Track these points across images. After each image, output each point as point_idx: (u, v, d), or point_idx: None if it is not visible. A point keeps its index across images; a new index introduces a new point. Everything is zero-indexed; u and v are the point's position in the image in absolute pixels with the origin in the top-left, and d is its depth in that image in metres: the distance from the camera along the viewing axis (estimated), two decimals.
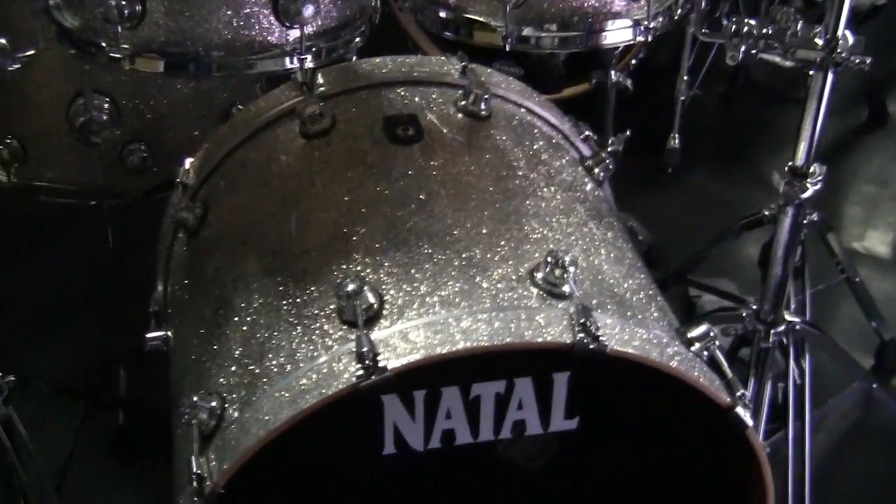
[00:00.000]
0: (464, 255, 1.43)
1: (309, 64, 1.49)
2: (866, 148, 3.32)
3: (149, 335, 1.76)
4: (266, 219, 1.61)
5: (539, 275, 1.39)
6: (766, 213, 2.01)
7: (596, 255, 1.53)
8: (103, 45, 1.47)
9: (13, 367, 1.84)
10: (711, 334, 1.50)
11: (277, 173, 1.68)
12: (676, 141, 2.96)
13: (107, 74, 1.77)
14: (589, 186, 1.75)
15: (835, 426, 2.16)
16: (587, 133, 1.92)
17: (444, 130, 1.67)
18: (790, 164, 1.72)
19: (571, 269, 1.38)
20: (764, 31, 1.59)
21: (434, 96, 1.75)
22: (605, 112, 2.36)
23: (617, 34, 1.57)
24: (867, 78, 3.34)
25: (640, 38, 1.57)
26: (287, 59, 1.48)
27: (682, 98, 2.87)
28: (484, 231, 1.47)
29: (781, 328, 1.85)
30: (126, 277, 2.10)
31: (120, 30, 1.43)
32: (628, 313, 1.43)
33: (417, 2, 1.65)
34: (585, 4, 1.53)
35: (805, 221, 1.89)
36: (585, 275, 1.44)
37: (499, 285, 1.38)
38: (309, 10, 1.43)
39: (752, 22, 1.60)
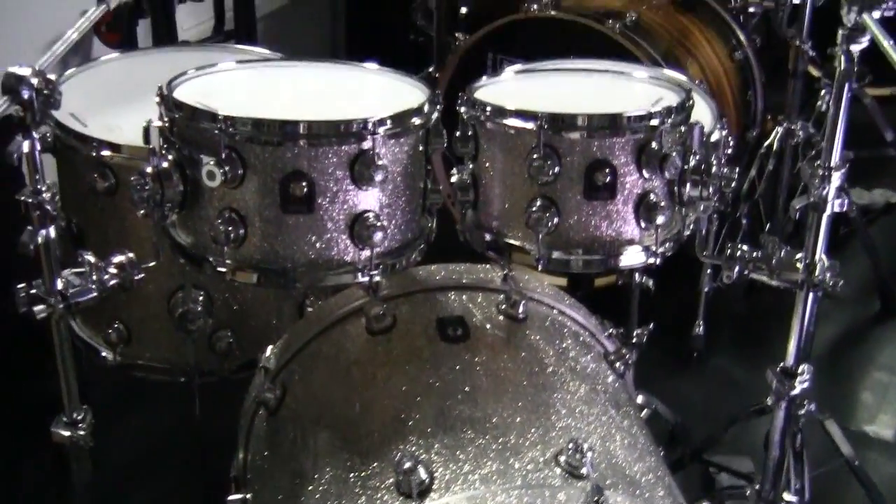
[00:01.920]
0: (500, 440, 1.72)
1: (376, 278, 1.82)
2: (878, 337, 3.58)
3: (230, 498, 2.06)
4: (336, 403, 1.92)
5: (562, 458, 1.67)
6: (769, 402, 2.28)
7: (611, 441, 1.81)
8: (210, 259, 1.80)
9: None
10: None
11: (346, 364, 1.99)
12: (701, 329, 3.26)
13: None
14: (610, 378, 2.05)
15: None
16: (611, 330, 2.22)
17: (488, 330, 1.98)
18: (781, 364, 2.00)
19: (589, 454, 1.66)
20: (754, 255, 1.91)
21: (479, 300, 2.07)
22: (630, 308, 2.67)
23: (630, 258, 1.87)
24: (879, 271, 3.64)
25: (651, 261, 1.88)
26: (359, 275, 1.80)
27: (706, 290, 3.19)
28: (518, 420, 1.77)
29: None
30: (207, 444, 2.40)
31: (225, 249, 1.76)
32: (637, 492, 1.70)
33: (466, 225, 1.98)
34: (604, 234, 1.84)
35: (802, 412, 2.15)
36: (601, 458, 1.73)
37: (528, 466, 1.67)
38: (378, 236, 1.76)
39: (745, 248, 1.92)
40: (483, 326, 2.00)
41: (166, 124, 1.83)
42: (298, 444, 1.92)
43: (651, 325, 2.53)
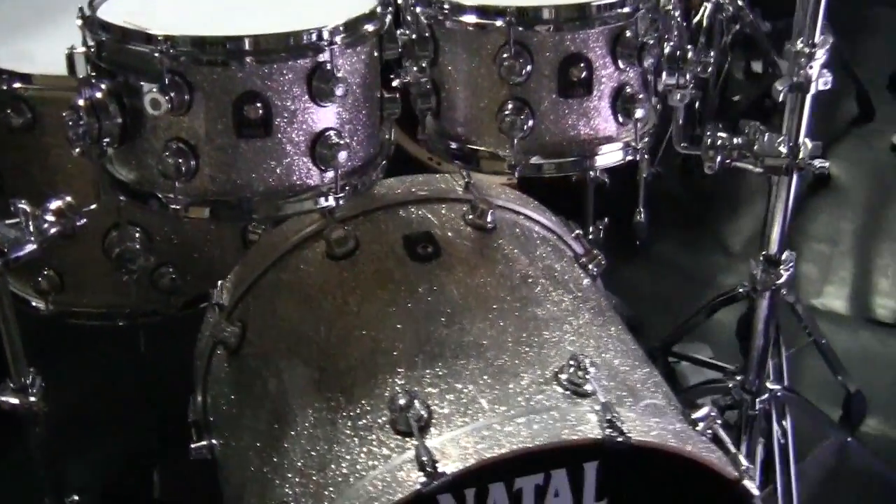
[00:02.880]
0: (495, 364, 1.61)
1: (342, 201, 1.68)
2: (813, 207, 3.57)
3: (194, 445, 1.93)
4: (308, 337, 1.79)
5: (563, 376, 1.58)
6: (741, 290, 2.22)
7: (606, 351, 1.72)
8: (160, 196, 1.64)
9: (61, 476, 1.98)
10: (713, 414, 1.70)
11: (312, 294, 1.85)
12: (642, 215, 3.19)
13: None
14: (586, 282, 1.95)
15: (815, 477, 2.37)
16: (577, 231, 2.12)
17: (458, 244, 1.86)
18: (764, 252, 1.93)
19: (592, 369, 1.57)
20: (735, 142, 1.81)
21: (444, 212, 1.95)
22: (585, 203, 2.58)
23: (609, 156, 1.77)
24: None
25: (629, 158, 1.78)
26: (322, 199, 1.66)
27: (644, 175, 3.10)
28: (508, 340, 1.66)
29: (765, 396, 2.05)
30: (158, 388, 2.26)
31: (176, 184, 1.60)
32: (642, 403, 1.62)
33: (428, 134, 1.84)
34: (581, 133, 1.72)
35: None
36: (602, 372, 1.63)
37: (529, 389, 1.57)
38: (342, 156, 1.62)
39: (724, 135, 1.82)
40: (453, 241, 1.88)
41: (93, 49, 1.64)
42: (270, 384, 1.79)
43: (606, 220, 2.44)
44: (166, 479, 2.31)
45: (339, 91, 1.59)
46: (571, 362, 1.58)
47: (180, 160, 1.58)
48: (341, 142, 1.62)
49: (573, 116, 1.71)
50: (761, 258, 1.93)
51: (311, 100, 1.60)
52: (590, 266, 2.02)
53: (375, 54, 1.71)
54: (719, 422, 1.67)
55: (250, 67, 1.56)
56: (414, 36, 1.77)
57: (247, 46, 1.55)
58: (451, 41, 1.74)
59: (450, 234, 1.89)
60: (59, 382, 2.61)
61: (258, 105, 1.57)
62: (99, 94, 1.60)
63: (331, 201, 1.67)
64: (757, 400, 2.04)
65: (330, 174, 1.65)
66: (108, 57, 1.61)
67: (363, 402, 1.60)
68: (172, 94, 1.54)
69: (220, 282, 2.03)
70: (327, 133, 1.62)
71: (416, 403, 1.52)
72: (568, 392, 1.56)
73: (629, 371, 1.71)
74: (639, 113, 1.72)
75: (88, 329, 2.25)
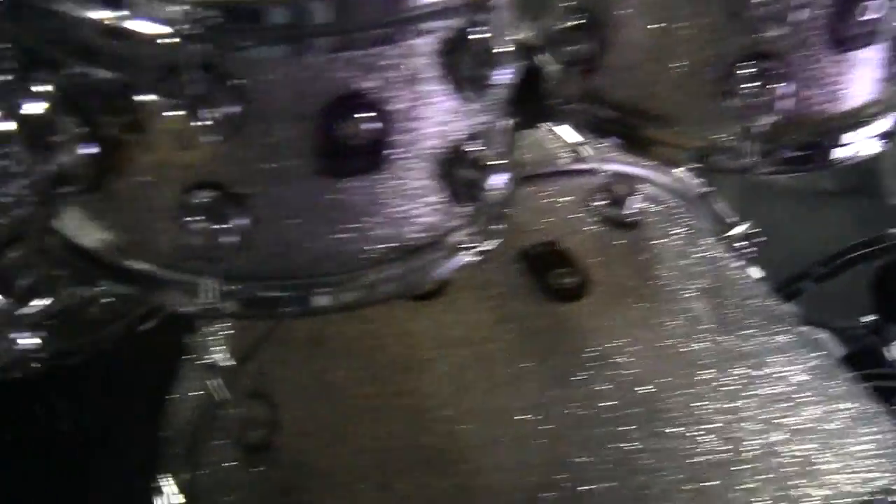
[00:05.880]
0: None
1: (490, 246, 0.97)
2: None
3: None
4: (383, 454, 1.09)
5: None
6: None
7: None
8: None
9: None
10: None
11: (381, 362, 1.14)
12: None
13: None
14: (770, 301, 1.29)
15: None
16: (710, 188, 1.47)
17: (604, 263, 1.20)
18: None
19: None
20: None
21: (561, 200, 1.27)
22: None
23: (866, 144, 1.10)
24: None
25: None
26: (457, 256, 0.94)
27: None
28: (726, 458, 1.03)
29: None
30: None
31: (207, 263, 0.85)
32: None
33: (567, 95, 1.12)
34: (838, 104, 1.06)
35: None
36: None
37: None
38: (497, 180, 0.90)
39: None
40: (596, 256, 1.21)
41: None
42: None
43: None
44: None
45: (503, 75, 0.86)
46: None
47: (214, 224, 0.84)
48: (491, 158, 0.91)
49: (838, 80, 1.04)
50: None
51: (456, 93, 0.86)
52: (736, 245, 1.39)
53: None
54: None
55: (344, 53, 0.81)
56: None
57: (335, 13, 0.80)
58: None
59: (585, 242, 1.22)
60: None
61: (361, 118, 0.83)
62: (42, 107, 0.82)
63: (468, 255, 0.96)
64: None
65: (465, 209, 0.94)
66: (31, 26, 0.83)
67: None
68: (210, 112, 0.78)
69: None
70: (467, 146, 0.90)
71: None
72: None
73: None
74: None
75: None
